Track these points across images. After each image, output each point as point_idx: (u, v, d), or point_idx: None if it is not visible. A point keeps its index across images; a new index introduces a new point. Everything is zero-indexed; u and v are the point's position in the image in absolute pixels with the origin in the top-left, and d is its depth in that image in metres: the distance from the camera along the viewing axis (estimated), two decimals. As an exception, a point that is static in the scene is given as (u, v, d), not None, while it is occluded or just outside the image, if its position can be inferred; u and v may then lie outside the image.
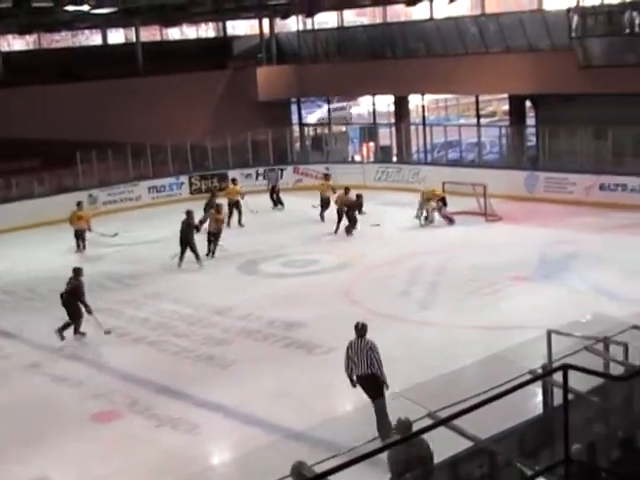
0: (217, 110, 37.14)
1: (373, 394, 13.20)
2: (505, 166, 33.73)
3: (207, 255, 25.16)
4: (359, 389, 13.40)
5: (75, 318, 18.75)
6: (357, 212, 27.64)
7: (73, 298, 18.75)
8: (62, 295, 18.85)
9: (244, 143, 36.19)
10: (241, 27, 45.70)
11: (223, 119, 35.82)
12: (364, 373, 13.25)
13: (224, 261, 24.94)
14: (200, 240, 24.88)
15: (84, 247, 27.22)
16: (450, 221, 28.00)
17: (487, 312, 19.15)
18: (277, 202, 33.04)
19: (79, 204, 27.72)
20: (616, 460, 8.97)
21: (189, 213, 24.68)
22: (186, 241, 24.23)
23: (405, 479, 9.90)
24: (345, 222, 27.31)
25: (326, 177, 30.93)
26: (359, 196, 27.78)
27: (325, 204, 29.54)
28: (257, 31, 42.00)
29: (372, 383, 13.24)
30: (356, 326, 13.69)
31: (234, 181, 31.59)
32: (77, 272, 19.09)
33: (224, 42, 43.60)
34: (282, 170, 35.71)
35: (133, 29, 39.80)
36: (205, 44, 43.53)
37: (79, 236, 27.17)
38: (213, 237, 25.42)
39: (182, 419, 14.52)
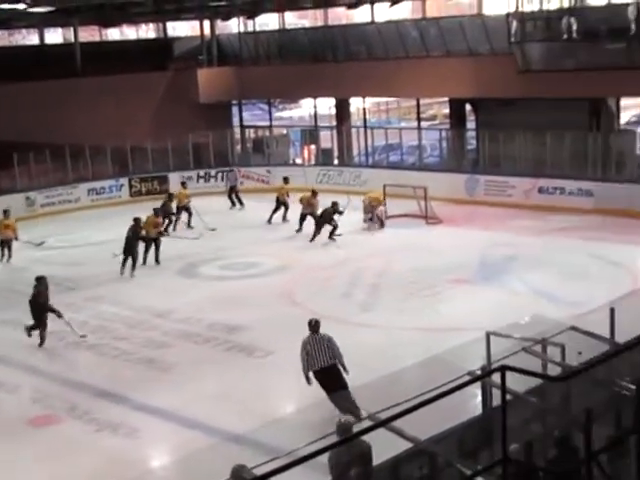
0: (157, 112, 36.88)
1: (337, 385, 13.33)
2: (446, 169, 33.99)
3: (143, 264, 24.67)
4: (307, 389, 13.41)
5: (37, 326, 18.46)
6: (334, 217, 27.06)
7: (36, 306, 18.47)
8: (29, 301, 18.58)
9: (185, 145, 36.00)
10: (182, 28, 45.42)
11: (163, 121, 35.59)
12: (327, 364, 13.48)
13: (165, 264, 24.76)
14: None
15: (10, 257, 26.19)
16: (381, 224, 28.11)
17: (427, 314, 19.27)
18: (237, 202, 33.14)
19: (5, 212, 26.65)
20: (553, 459, 9.07)
21: (136, 221, 24.35)
22: (129, 250, 23.88)
23: (347, 478, 9.92)
24: (328, 227, 26.93)
25: (285, 181, 30.72)
26: (334, 204, 27.21)
27: (282, 207, 29.70)
28: (198, 32, 41.75)
29: (336, 373, 13.50)
30: (310, 322, 14.15)
31: (184, 184, 31.51)
32: (39, 281, 18.78)
33: (164, 43, 43.35)
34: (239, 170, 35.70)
35: (72, 29, 39.30)
36: (145, 45, 43.15)
37: (5, 245, 26.24)
38: (153, 242, 24.93)
39: (122, 423, 14.39)
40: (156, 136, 34.63)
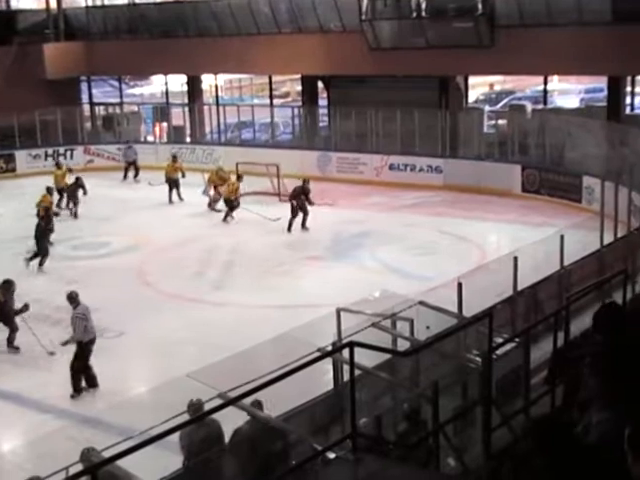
0: (2, 87, 35.58)
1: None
2: (298, 146, 34.03)
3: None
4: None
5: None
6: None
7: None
8: None
9: (32, 122, 34.95)
10: (26, 1, 43.88)
11: (8, 97, 34.29)
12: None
13: (14, 244, 23.95)
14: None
15: None
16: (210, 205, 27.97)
17: (280, 291, 19.29)
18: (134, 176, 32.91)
19: None
20: (402, 432, 9.21)
21: (47, 210, 23.65)
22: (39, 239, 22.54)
23: (199, 459, 9.86)
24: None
25: (174, 159, 30.11)
26: (305, 180, 26.01)
27: (173, 185, 29.22)
28: (44, 5, 40.33)
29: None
30: (71, 295, 15.08)
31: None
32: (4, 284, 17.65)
33: (8, 16, 41.59)
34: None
35: None
36: (-13, 18, 41.57)
37: None
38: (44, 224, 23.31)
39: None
40: (1, 113, 33.45)
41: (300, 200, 24.81)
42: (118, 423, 11.86)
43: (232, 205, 26.13)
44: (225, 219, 26.10)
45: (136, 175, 33.16)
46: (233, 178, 27.42)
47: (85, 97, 41.13)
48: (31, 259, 22.03)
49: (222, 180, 27.89)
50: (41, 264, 21.98)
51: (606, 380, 3.74)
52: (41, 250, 22.02)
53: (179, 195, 29.29)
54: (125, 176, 33.10)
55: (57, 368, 15.39)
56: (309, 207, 24.88)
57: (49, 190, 25.08)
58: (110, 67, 38.64)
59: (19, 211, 27.02)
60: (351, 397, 6.97)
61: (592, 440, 4.48)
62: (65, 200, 28.32)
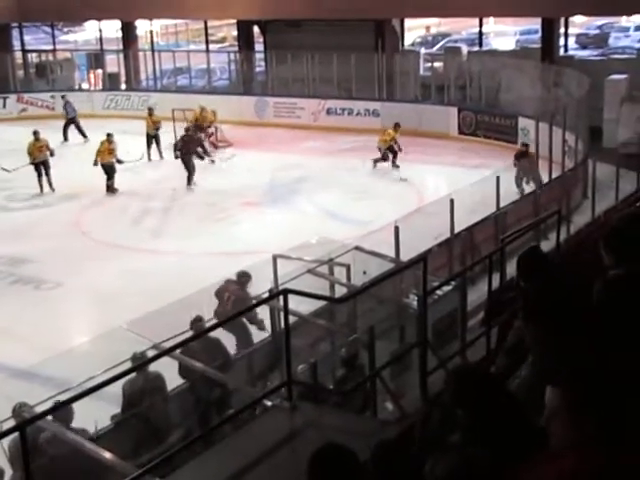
0: None
1: None
2: (235, 92, 33.72)
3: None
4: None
5: None
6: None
7: None
8: None
9: (-40, 70, 34.15)
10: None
11: None
12: None
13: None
14: None
15: None
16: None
17: (219, 238, 19.20)
18: (80, 134, 30.48)
19: None
20: (340, 378, 9.25)
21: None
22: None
23: (141, 408, 9.87)
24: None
25: (150, 111, 28.18)
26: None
27: (151, 142, 27.39)
28: (-30, -51, 39.32)
29: None
30: None
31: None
32: None
33: None
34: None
35: None
36: None
37: None
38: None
39: None
40: None
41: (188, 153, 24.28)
42: (55, 376, 11.75)
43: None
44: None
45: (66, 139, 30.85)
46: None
47: (17, 44, 40.25)
48: None
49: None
50: None
51: (532, 329, 3.76)
52: None
53: (160, 152, 27.25)
54: (65, 137, 30.87)
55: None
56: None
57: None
58: (42, 13, 37.63)
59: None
60: (286, 345, 6.98)
61: (512, 390, 4.52)
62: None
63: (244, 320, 11.42)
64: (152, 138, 27.40)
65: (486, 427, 3.47)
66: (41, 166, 24.15)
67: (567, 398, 3.28)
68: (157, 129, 27.49)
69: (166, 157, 26.51)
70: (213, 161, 25.79)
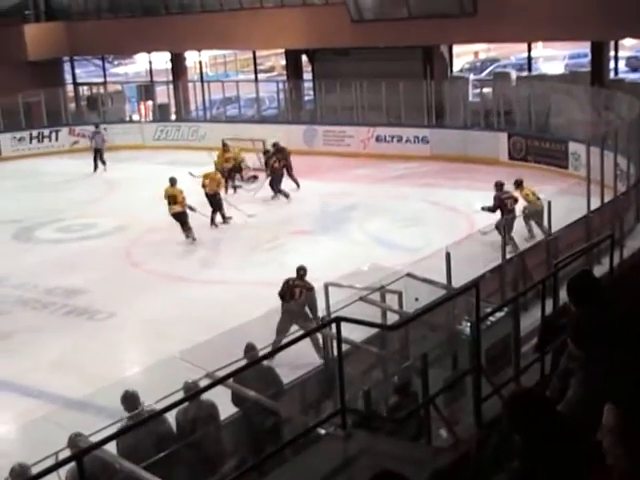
0: (-17, 71, 35.40)
1: None
2: (284, 121, 33.94)
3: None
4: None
5: None
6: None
7: None
8: None
9: (15, 105, 34.66)
10: (5, -18, 43.42)
11: (-10, 80, 34.17)
12: None
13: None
14: None
15: None
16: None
17: (270, 267, 19.19)
18: (102, 164, 31.09)
19: None
20: (393, 405, 9.19)
21: None
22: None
23: (194, 438, 9.88)
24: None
25: (224, 146, 27.57)
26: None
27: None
28: (23, -13, 40.10)
29: None
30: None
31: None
32: None
33: (-14, -2, 41.44)
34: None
35: None
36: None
37: None
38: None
39: (-44, 395, 13.89)
40: (-17, 96, 33.25)
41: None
42: (108, 406, 11.81)
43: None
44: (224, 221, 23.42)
45: (96, 167, 31.14)
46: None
47: (68, 77, 40.90)
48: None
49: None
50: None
51: (584, 351, 3.72)
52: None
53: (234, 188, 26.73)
54: (95, 167, 31.16)
55: (44, 352, 15.35)
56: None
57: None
58: (93, 47, 38.35)
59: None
60: (339, 373, 6.95)
61: (565, 413, 4.47)
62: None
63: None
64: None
65: (542, 451, 3.43)
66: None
67: (621, 417, 3.26)
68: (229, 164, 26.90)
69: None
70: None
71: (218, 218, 23.04)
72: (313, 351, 12.11)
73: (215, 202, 23.01)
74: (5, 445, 11.82)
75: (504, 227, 17.63)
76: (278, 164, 25.69)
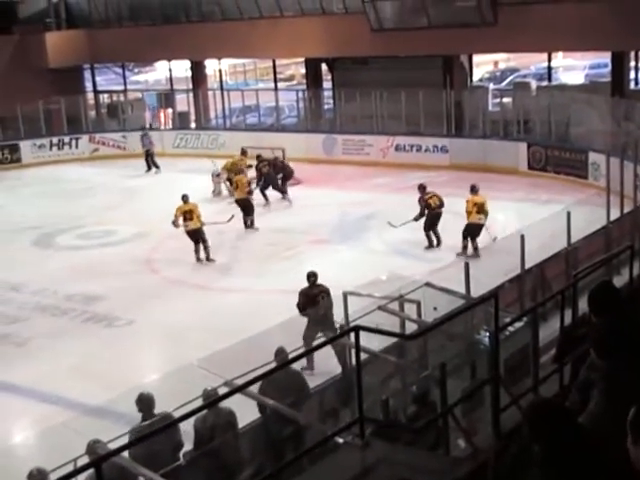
0: (4, 78, 35.44)
1: None
2: (303, 129, 34.02)
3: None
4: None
5: None
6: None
7: None
8: None
9: (35, 112, 34.86)
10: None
11: (11, 87, 34.23)
12: None
13: (17, 235, 24.05)
14: None
15: None
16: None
17: (288, 275, 19.15)
18: (153, 165, 31.91)
19: None
20: (412, 415, 9.18)
21: None
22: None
23: (212, 445, 9.90)
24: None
25: (243, 153, 28.04)
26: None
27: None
28: (44, -6, 40.33)
29: None
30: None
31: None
32: None
33: (8, 6, 41.43)
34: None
35: None
36: (-12, 8, 41.41)
37: None
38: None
39: (-26, 401, 13.96)
40: (4, 103, 33.41)
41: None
42: (127, 412, 11.84)
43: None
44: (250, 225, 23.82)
45: (149, 168, 32.09)
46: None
47: (89, 85, 41.13)
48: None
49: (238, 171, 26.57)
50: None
51: (606, 362, 3.72)
52: None
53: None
54: (149, 167, 32.04)
55: (63, 359, 15.41)
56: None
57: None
58: (113, 54, 38.57)
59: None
60: (357, 382, 6.95)
61: (586, 424, 4.45)
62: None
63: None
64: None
65: (562, 461, 3.43)
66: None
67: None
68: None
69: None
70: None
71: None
72: (331, 359, 12.08)
73: (247, 206, 23.57)
74: (24, 451, 11.87)
75: (427, 225, 20.82)
76: (267, 168, 26.08)
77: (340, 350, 12.78)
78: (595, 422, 4.62)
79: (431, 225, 20.84)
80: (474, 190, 20.66)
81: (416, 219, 20.75)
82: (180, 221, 21.08)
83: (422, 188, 21.45)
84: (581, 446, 3.51)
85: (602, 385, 4.30)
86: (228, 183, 26.75)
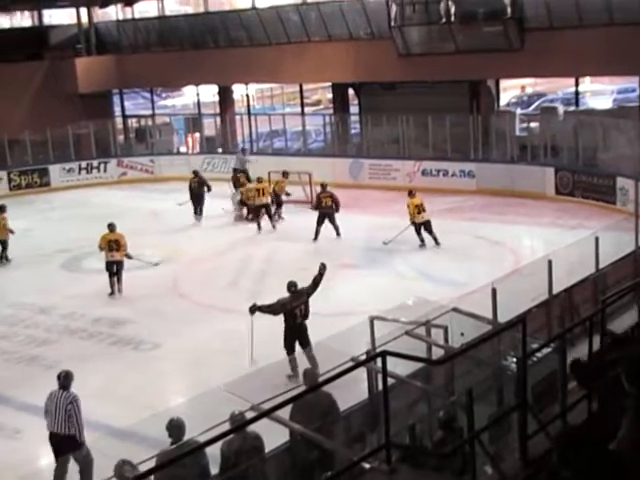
0: (35, 103, 35.96)
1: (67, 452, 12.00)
2: (330, 154, 34.10)
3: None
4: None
5: None
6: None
7: None
8: None
9: (65, 136, 35.16)
10: (58, 16, 44.10)
11: (42, 112, 34.70)
12: (60, 431, 12.19)
13: (46, 258, 24.20)
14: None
15: None
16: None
17: (315, 300, 19.09)
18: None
19: None
20: (438, 440, 9.13)
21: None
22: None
23: (239, 470, 9.87)
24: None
25: (285, 175, 28.28)
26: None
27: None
28: (75, 20, 40.74)
29: (67, 444, 11.99)
30: (58, 376, 12.56)
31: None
32: None
33: (40, 32, 42.04)
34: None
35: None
36: (20, 34, 41.76)
37: None
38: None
39: (3, 425, 13.99)
40: (34, 128, 33.82)
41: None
42: (151, 435, 11.85)
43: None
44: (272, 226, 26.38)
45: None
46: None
47: (117, 110, 41.45)
48: None
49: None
50: None
51: (637, 388, 3.68)
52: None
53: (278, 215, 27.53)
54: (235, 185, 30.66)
55: (89, 382, 15.42)
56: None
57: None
58: (142, 79, 38.91)
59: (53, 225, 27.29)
60: (384, 407, 6.93)
61: (618, 451, 4.42)
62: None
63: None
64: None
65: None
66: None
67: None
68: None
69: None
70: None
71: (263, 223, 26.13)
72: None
73: (267, 211, 26.17)
74: (50, 473, 11.90)
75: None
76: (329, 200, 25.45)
77: (312, 361, 13.34)
78: (626, 448, 4.58)
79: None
80: (411, 194, 23.59)
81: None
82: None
83: (323, 187, 25.07)
84: (612, 473, 3.48)
85: (633, 412, 4.27)
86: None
